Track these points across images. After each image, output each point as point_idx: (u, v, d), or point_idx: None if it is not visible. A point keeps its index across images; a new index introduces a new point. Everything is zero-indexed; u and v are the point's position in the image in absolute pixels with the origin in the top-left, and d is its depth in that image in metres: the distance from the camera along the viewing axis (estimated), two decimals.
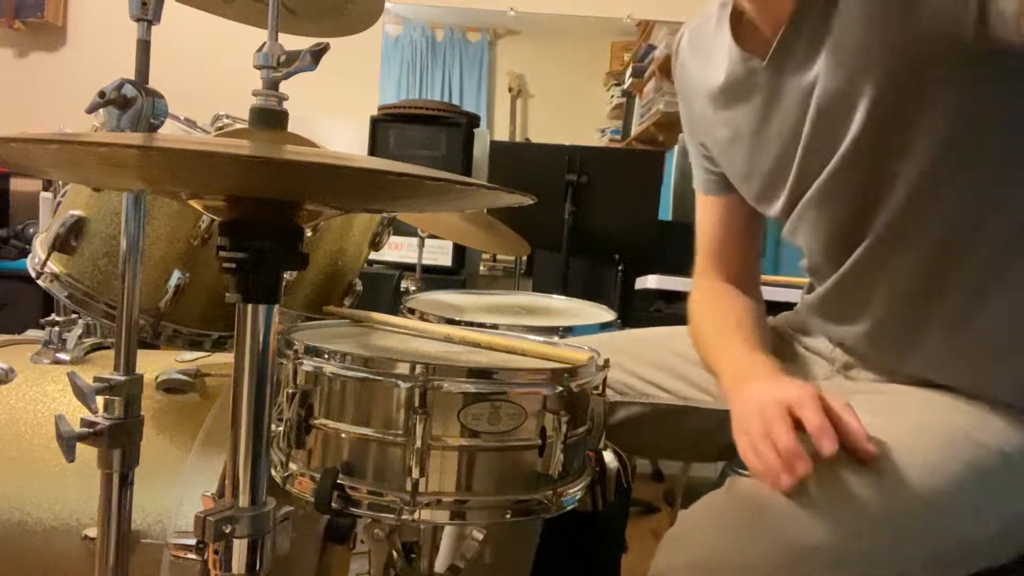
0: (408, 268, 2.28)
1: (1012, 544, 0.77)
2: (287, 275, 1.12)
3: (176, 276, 1.05)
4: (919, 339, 0.85)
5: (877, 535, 0.70)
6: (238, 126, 1.14)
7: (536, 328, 1.25)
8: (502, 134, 5.23)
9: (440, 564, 1.13)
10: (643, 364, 1.06)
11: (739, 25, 0.88)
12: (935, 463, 0.74)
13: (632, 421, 1.04)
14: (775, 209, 0.92)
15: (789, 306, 1.07)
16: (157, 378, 1.06)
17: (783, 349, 1.03)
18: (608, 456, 1.03)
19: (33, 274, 1.09)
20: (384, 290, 2.39)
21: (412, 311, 1.31)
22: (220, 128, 1.15)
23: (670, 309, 2.36)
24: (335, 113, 3.47)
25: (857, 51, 0.76)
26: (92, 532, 0.89)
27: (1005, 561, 0.78)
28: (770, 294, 1.10)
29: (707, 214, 1.07)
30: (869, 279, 0.86)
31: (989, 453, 0.76)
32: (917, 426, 0.79)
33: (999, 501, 0.76)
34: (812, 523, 0.69)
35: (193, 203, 0.67)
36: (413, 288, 1.88)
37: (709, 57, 0.94)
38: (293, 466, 0.85)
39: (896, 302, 0.85)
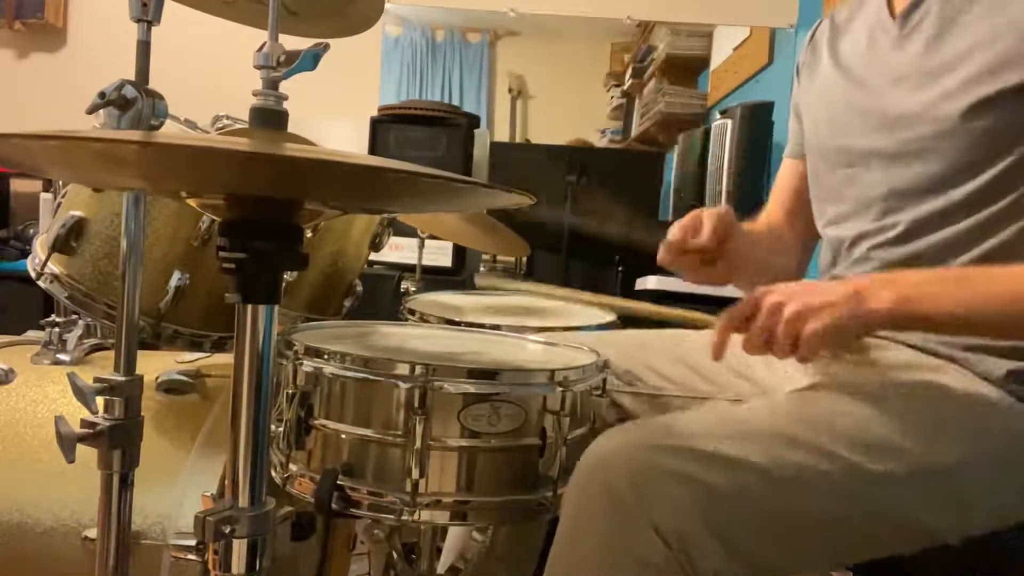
0: (408, 269, 2.28)
1: (935, 507, 0.76)
2: (287, 276, 1.12)
3: (176, 277, 1.05)
4: None
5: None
6: (238, 127, 1.14)
7: (537, 329, 1.25)
8: (502, 135, 5.23)
9: (442, 564, 1.13)
10: (656, 356, 1.06)
11: None
12: (837, 404, 0.80)
13: (639, 413, 1.04)
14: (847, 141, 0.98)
15: None
16: (157, 379, 1.06)
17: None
18: None
19: (33, 275, 1.09)
20: (384, 291, 2.39)
21: (412, 312, 1.31)
22: (220, 129, 1.15)
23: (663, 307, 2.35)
24: (335, 114, 3.47)
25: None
26: (92, 533, 0.89)
27: (949, 538, 0.77)
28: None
29: (784, 174, 1.17)
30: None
31: (903, 409, 0.79)
32: (852, 386, 0.83)
33: (902, 450, 0.76)
34: (683, 428, 0.74)
35: (192, 202, 0.67)
36: (413, 289, 1.88)
37: (846, 29, 1.04)
38: (293, 467, 0.85)
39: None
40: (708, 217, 0.93)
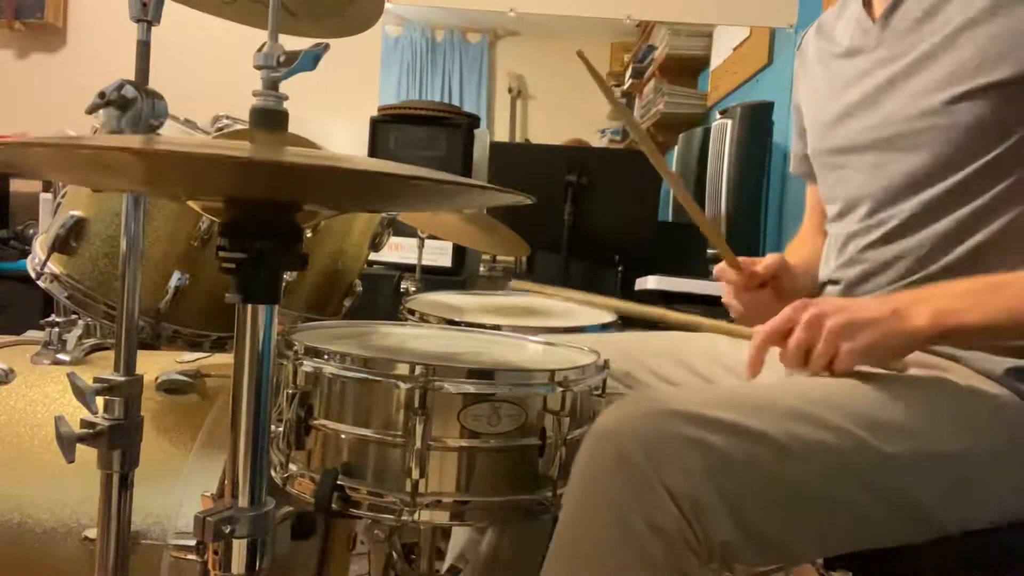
0: (408, 269, 2.27)
1: (940, 493, 0.77)
2: (287, 276, 1.12)
3: (176, 277, 1.05)
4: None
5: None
6: (238, 127, 1.14)
7: (537, 329, 1.25)
8: (502, 135, 5.23)
9: (446, 564, 1.13)
10: (654, 356, 1.06)
11: None
12: (846, 386, 0.79)
13: None
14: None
15: None
16: (157, 379, 1.06)
17: None
18: None
19: (33, 275, 1.10)
20: (384, 291, 2.39)
21: (412, 312, 1.31)
22: (220, 129, 1.15)
23: (670, 310, 2.35)
24: (335, 114, 3.47)
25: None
26: (92, 533, 0.89)
27: (950, 528, 0.77)
28: None
29: (809, 196, 1.19)
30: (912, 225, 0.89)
31: (910, 395, 0.79)
32: (853, 378, 0.83)
33: (911, 433, 0.76)
34: (697, 398, 0.74)
35: (192, 204, 0.67)
36: (413, 289, 1.88)
37: (830, 34, 1.05)
38: (293, 467, 0.85)
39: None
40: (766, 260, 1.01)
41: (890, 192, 0.90)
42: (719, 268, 1.01)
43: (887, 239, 0.90)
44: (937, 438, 0.76)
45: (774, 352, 1.02)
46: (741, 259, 1.00)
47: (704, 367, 1.05)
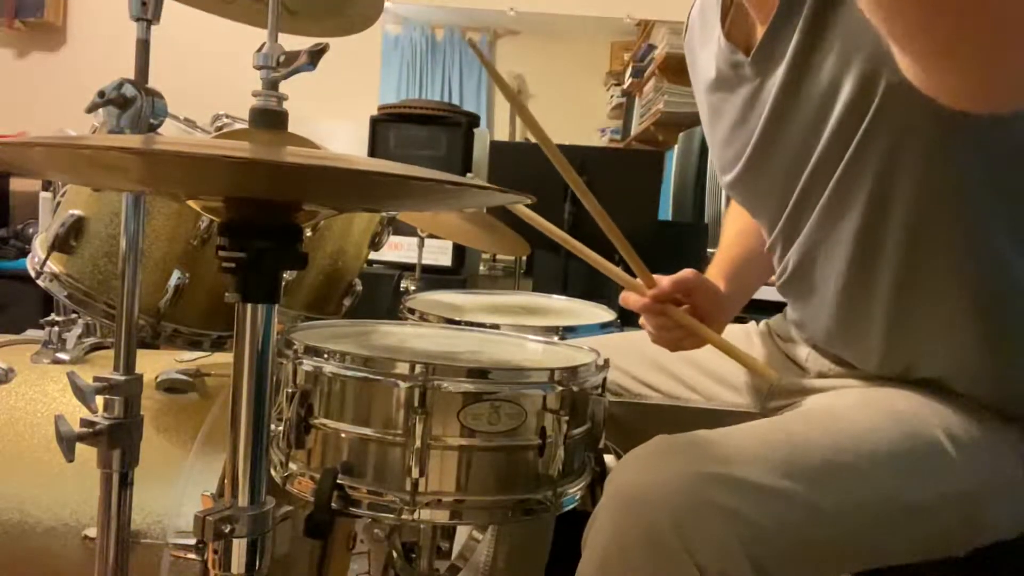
0: (408, 268, 2.28)
1: (955, 529, 0.77)
2: (287, 275, 1.12)
3: (176, 276, 1.05)
4: (863, 324, 0.84)
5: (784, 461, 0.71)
6: (238, 126, 1.14)
7: (537, 328, 1.25)
8: (502, 134, 5.22)
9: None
10: (636, 364, 1.06)
11: (728, 13, 0.87)
12: (868, 422, 0.78)
13: (626, 421, 1.04)
14: (730, 178, 0.93)
15: (780, 305, 1.06)
16: (157, 378, 1.06)
17: (770, 353, 1.05)
18: (608, 456, 1.03)
19: (33, 274, 1.10)
20: (384, 290, 2.39)
21: (412, 311, 1.31)
22: (219, 128, 1.15)
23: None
24: (335, 113, 3.47)
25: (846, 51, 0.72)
26: (92, 532, 0.89)
27: (957, 551, 0.78)
28: (761, 292, 1.10)
29: None
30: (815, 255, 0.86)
31: (929, 430, 0.78)
32: (865, 401, 0.83)
33: (934, 474, 0.76)
34: (725, 452, 0.71)
35: (191, 203, 0.67)
36: (413, 288, 1.88)
37: (708, 34, 0.93)
38: (293, 466, 0.85)
39: (839, 280, 0.83)
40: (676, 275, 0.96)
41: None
42: (623, 295, 0.95)
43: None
44: (951, 477, 0.77)
45: (738, 370, 1.02)
46: (655, 276, 0.94)
47: (682, 370, 1.05)
